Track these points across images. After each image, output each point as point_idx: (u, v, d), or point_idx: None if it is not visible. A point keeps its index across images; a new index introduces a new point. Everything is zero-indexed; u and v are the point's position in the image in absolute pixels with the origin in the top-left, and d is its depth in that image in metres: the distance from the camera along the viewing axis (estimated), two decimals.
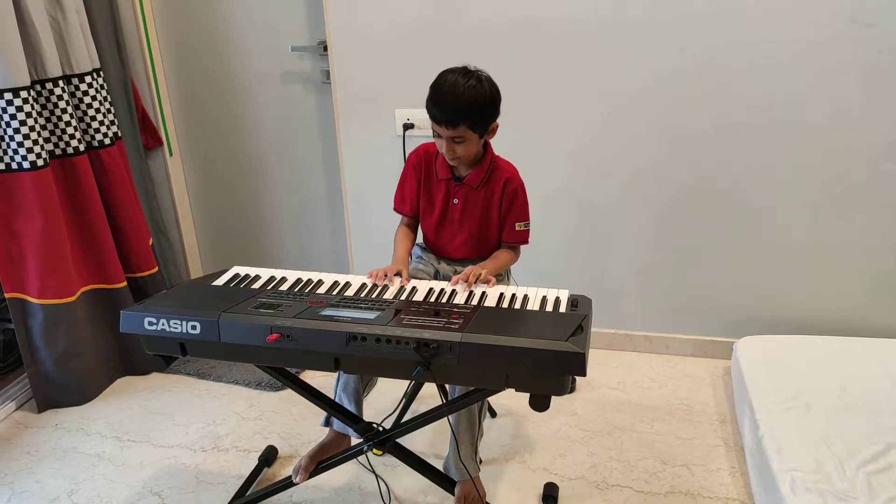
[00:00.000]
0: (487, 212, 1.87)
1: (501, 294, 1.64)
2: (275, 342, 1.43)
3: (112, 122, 2.44)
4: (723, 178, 2.38)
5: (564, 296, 1.62)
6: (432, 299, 1.61)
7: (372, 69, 2.46)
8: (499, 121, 1.76)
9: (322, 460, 1.81)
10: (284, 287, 1.69)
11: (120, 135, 2.49)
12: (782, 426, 1.91)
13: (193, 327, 1.49)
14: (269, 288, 1.68)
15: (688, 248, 2.51)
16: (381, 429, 1.74)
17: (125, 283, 2.49)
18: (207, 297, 1.60)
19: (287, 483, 1.83)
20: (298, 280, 1.74)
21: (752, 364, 2.26)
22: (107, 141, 2.38)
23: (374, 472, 2.00)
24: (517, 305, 1.58)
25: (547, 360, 1.32)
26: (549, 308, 1.56)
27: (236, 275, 1.79)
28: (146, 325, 1.51)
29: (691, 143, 2.36)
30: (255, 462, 2.10)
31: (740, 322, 2.57)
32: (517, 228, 1.89)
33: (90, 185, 2.34)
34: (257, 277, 1.77)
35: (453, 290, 1.67)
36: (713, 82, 2.27)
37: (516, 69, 2.38)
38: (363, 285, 1.70)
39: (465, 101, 1.66)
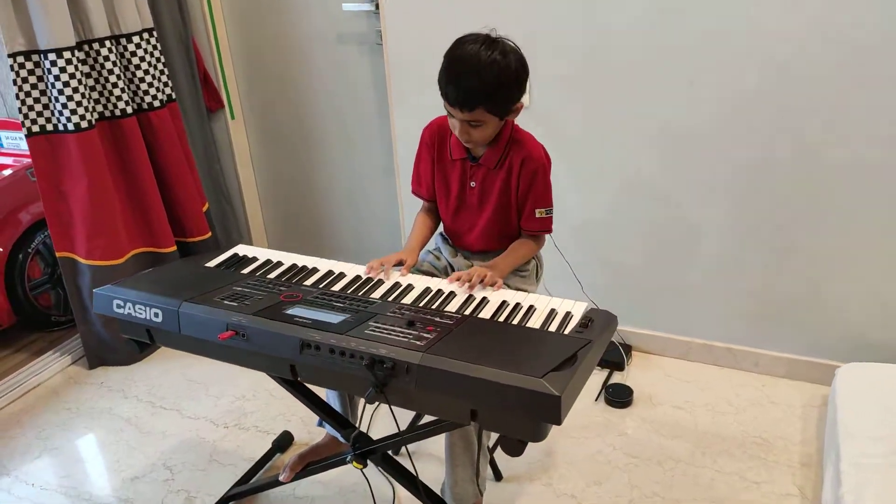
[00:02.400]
0: (507, 196, 1.60)
1: (504, 302, 1.38)
2: (228, 340, 1.29)
3: (165, 84, 2.40)
4: (834, 154, 1.92)
5: (579, 311, 1.34)
6: (423, 302, 1.39)
7: (426, 29, 2.22)
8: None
9: (312, 462, 1.67)
10: (274, 274, 1.54)
11: (174, 97, 2.45)
12: (871, 488, 1.51)
13: (156, 315, 1.38)
14: (257, 274, 1.54)
15: (785, 245, 2.08)
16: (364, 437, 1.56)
17: (174, 248, 2.48)
18: (185, 281, 1.48)
19: (274, 482, 1.71)
20: (293, 266, 1.58)
21: (852, 398, 1.84)
22: (156, 104, 2.34)
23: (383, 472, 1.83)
24: (517, 319, 1.32)
25: (514, 399, 1.07)
26: (554, 326, 1.29)
27: (234, 255, 1.66)
28: (115, 308, 1.42)
29: (796, 115, 1.92)
30: (270, 446, 2.01)
31: (851, 342, 2.11)
32: (537, 215, 1.60)
33: (139, 148, 2.32)
34: (253, 260, 1.63)
35: (452, 293, 1.43)
36: (831, 51, 1.81)
37: (582, 31, 2.04)
38: (356, 278, 1.51)
39: (485, 79, 1.39)
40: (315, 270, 1.56)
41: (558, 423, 1.05)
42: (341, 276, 1.53)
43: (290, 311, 1.31)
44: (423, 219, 1.74)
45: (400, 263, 1.57)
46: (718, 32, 1.92)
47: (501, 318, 1.32)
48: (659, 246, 2.24)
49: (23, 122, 2.12)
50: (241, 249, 1.69)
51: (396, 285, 1.47)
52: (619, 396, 2.14)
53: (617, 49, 2.04)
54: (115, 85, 2.23)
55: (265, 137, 2.82)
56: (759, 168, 2.02)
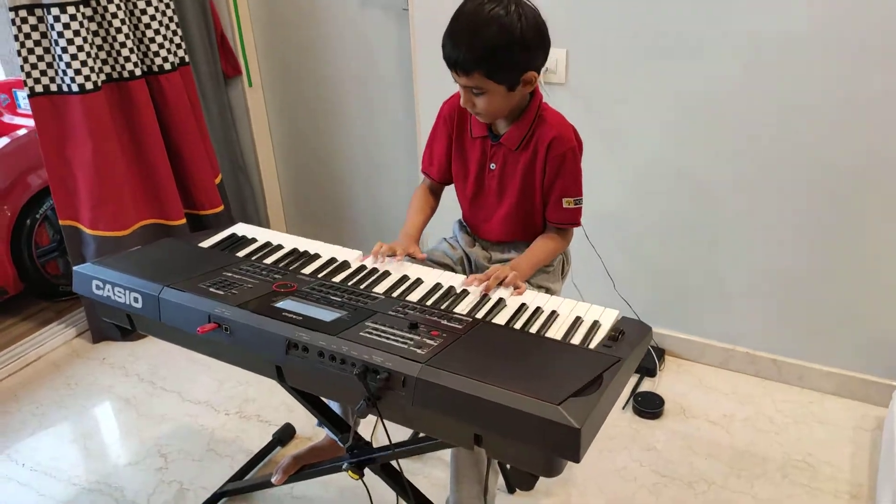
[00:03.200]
0: (530, 181, 1.42)
1: (523, 306, 1.22)
2: (210, 334, 1.15)
3: (178, 46, 2.26)
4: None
5: (608, 320, 1.17)
6: (432, 300, 1.23)
7: None
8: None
9: (307, 465, 1.54)
10: (271, 259, 1.39)
11: (187, 60, 2.31)
12: None
13: (136, 299, 1.24)
14: (253, 258, 1.39)
15: (843, 251, 1.86)
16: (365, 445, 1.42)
17: (184, 221, 2.36)
18: (172, 263, 1.34)
19: (267, 482, 1.58)
20: (293, 251, 1.43)
21: None
22: (167, 66, 2.21)
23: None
24: (535, 326, 1.15)
25: (525, 427, 0.90)
26: (579, 337, 1.12)
27: (232, 235, 1.52)
28: (94, 289, 1.30)
29: (869, 104, 1.70)
30: (269, 439, 1.88)
31: None
32: (564, 206, 1.42)
33: (147, 114, 2.19)
34: (252, 241, 1.49)
35: (465, 291, 1.27)
36: None
37: (633, 3, 1.83)
38: (360, 268, 1.36)
39: (482, 39, 1.22)
40: (317, 257, 1.41)
41: (576, 459, 0.89)
42: (344, 265, 1.37)
43: (280, 305, 1.16)
44: (422, 196, 1.57)
45: (406, 255, 1.41)
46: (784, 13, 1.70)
47: (518, 325, 1.15)
48: (701, 243, 2.04)
49: (25, 82, 2.00)
50: (240, 229, 1.55)
51: (404, 279, 1.31)
52: (648, 406, 1.96)
53: (673, 22, 1.83)
54: (122, 45, 2.10)
55: (284, 107, 2.66)
56: (820, 166, 1.80)
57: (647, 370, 2.13)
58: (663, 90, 1.90)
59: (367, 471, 1.37)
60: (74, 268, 1.32)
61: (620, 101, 1.96)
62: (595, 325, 1.15)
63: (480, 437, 0.97)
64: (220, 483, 1.73)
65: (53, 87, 2.04)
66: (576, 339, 1.11)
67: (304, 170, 2.76)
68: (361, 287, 1.27)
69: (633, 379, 2.10)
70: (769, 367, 2.09)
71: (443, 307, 1.20)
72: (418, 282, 1.30)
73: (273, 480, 1.53)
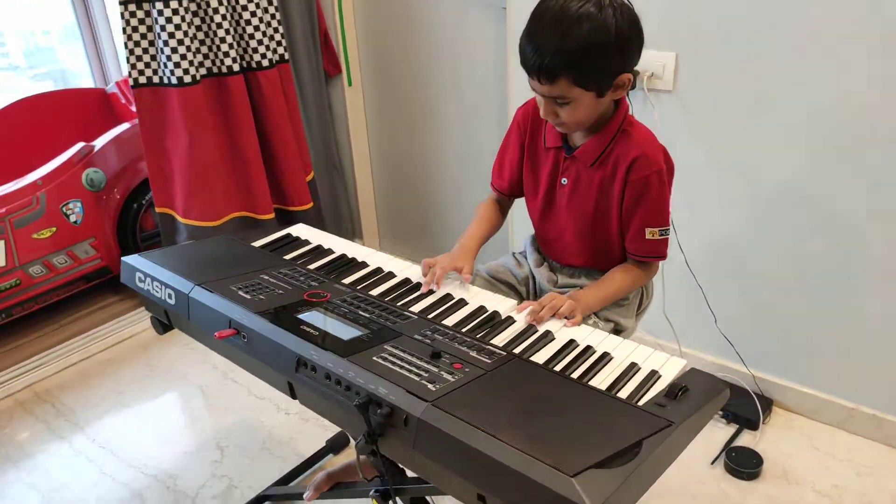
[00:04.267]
0: (605, 204, 1.25)
1: (571, 343, 1.05)
2: (229, 340, 1.09)
3: (279, 44, 2.27)
4: None
5: (671, 371, 0.98)
6: (469, 326, 1.10)
7: None
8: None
9: (340, 484, 1.45)
10: (317, 264, 1.32)
11: (286, 58, 2.31)
12: None
13: (170, 296, 1.21)
14: (299, 262, 1.33)
15: None
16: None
17: (272, 215, 2.37)
18: (215, 261, 1.30)
19: (298, 495, 1.52)
20: (341, 257, 1.35)
21: None
22: (265, 63, 2.22)
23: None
24: (579, 370, 0.98)
25: (530, 497, 0.75)
26: (628, 390, 0.94)
27: (287, 236, 1.47)
28: (137, 282, 1.28)
29: None
30: (324, 444, 1.83)
31: None
32: (648, 236, 1.23)
33: (243, 109, 2.22)
34: (305, 243, 1.43)
35: (510, 318, 1.12)
36: None
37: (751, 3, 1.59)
38: (405, 281, 1.25)
39: (572, 40, 1.05)
40: (363, 266, 1.32)
41: None
42: (389, 276, 1.27)
43: (302, 316, 1.08)
44: (486, 209, 1.43)
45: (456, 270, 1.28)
46: None
47: (559, 367, 0.99)
48: (829, 282, 1.74)
49: (129, 73, 2.08)
50: (297, 230, 1.50)
51: (447, 298, 1.19)
52: (743, 464, 1.70)
53: (809, 19, 1.57)
54: (222, 40, 2.13)
55: (381, 107, 2.62)
56: None
57: (748, 422, 1.85)
58: (794, 102, 1.63)
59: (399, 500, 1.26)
60: (123, 259, 1.31)
61: (739, 112, 1.71)
62: (652, 377, 0.97)
63: (482, 496, 0.83)
64: (267, 484, 1.69)
65: (155, 79, 2.11)
66: (624, 392, 0.94)
67: (397, 171, 2.71)
68: (398, 304, 1.16)
69: (730, 430, 1.84)
70: None
71: (479, 336, 1.06)
72: (461, 303, 1.17)
73: (305, 497, 1.46)
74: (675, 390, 0.93)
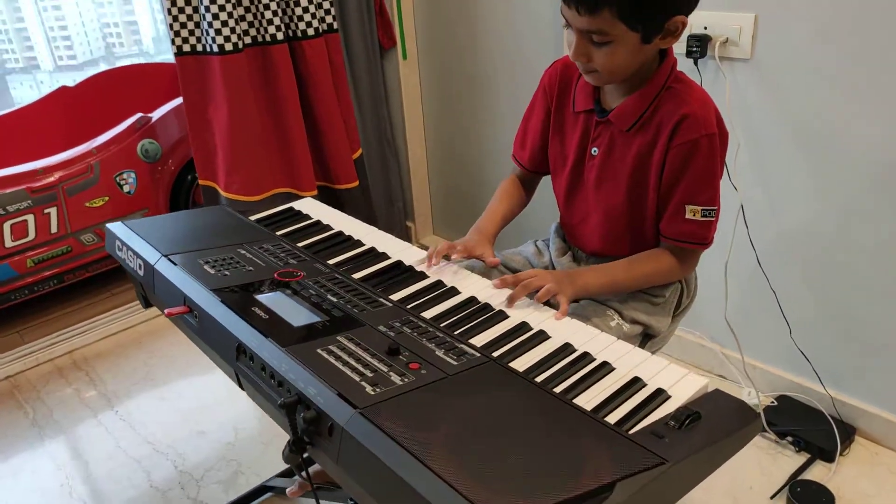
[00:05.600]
0: (642, 176, 1.04)
1: (566, 347, 0.87)
2: (184, 318, 0.97)
3: (327, 12, 2.16)
4: None
5: (684, 392, 0.78)
6: (452, 319, 0.93)
7: None
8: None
9: (325, 483, 1.32)
10: (308, 241, 1.19)
11: (335, 27, 2.20)
12: None
13: (140, 267, 1.11)
14: (290, 237, 1.20)
15: None
16: None
17: (315, 192, 2.27)
18: (198, 232, 1.20)
19: (281, 491, 1.40)
20: (337, 235, 1.22)
21: None
22: (311, 32, 2.11)
23: None
24: (566, 383, 0.80)
25: None
26: (620, 412, 0.75)
27: (289, 210, 1.36)
28: (116, 250, 1.20)
29: None
30: None
31: None
32: (688, 215, 1.02)
33: (287, 80, 2.12)
34: (305, 218, 1.31)
35: (502, 314, 0.95)
36: None
37: None
38: (395, 265, 1.10)
39: None
40: (357, 245, 1.17)
41: None
42: (382, 258, 1.12)
43: (261, 297, 0.95)
44: (507, 188, 1.25)
45: (475, 257, 1.11)
46: None
47: (541, 377, 0.81)
48: None
49: (173, 41, 2.03)
50: (303, 205, 1.38)
51: (437, 285, 1.03)
52: (811, 502, 1.44)
53: None
54: (266, 6, 2.04)
55: (437, 83, 2.46)
56: None
57: (823, 452, 1.57)
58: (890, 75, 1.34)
59: None
60: (107, 225, 1.23)
61: (831, 85, 1.43)
62: (657, 396, 0.77)
63: None
64: (273, 473, 1.60)
65: (199, 48, 2.05)
66: (615, 415, 0.74)
67: (453, 150, 2.55)
68: (378, 289, 1.01)
69: (798, 460, 1.56)
70: None
71: (458, 332, 0.90)
72: (451, 292, 1.01)
73: (288, 492, 1.35)
74: (683, 417, 0.72)
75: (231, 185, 2.18)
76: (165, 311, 0.97)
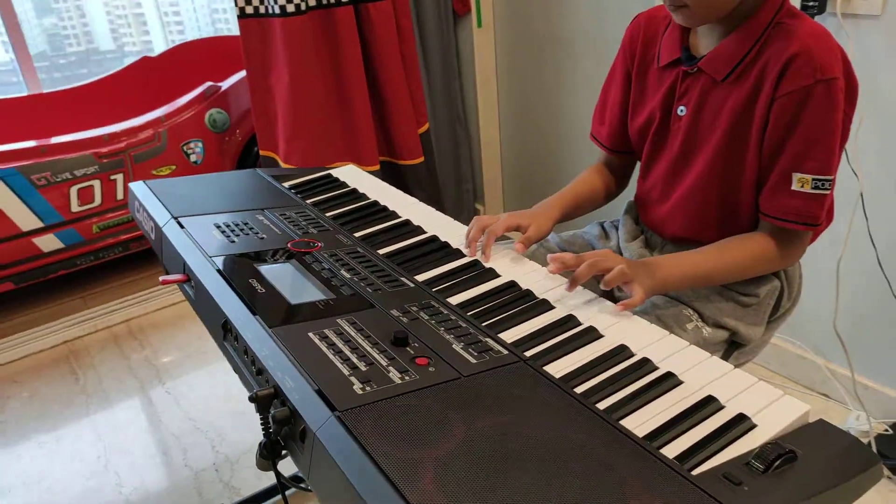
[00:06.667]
0: (738, 141, 0.83)
1: (621, 349, 0.68)
2: (184, 286, 0.86)
3: None
4: None
5: (781, 419, 0.59)
6: (480, 309, 0.76)
7: None
8: None
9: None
10: (337, 211, 1.05)
11: None
12: None
13: (152, 229, 1.01)
14: (319, 206, 1.07)
15: None
16: None
17: (377, 167, 2.15)
18: (223, 196, 1.08)
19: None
20: (370, 205, 1.07)
21: None
22: None
23: None
24: (612, 399, 0.62)
25: None
26: (681, 444, 0.56)
27: (326, 176, 1.22)
28: (135, 211, 1.10)
29: None
30: None
31: None
32: (795, 186, 0.80)
33: (351, 45, 2.00)
34: (341, 186, 1.17)
35: (545, 303, 0.77)
36: None
37: None
38: (429, 240, 0.94)
39: None
40: (391, 217, 1.02)
41: None
42: (416, 232, 0.97)
43: (264, 268, 0.82)
44: (588, 173, 1.06)
45: (515, 230, 0.94)
46: None
47: (582, 386, 0.63)
48: None
49: (235, 2, 1.95)
50: (342, 172, 1.24)
51: (472, 266, 0.86)
52: None
53: None
54: None
55: (514, 54, 2.27)
56: None
57: None
58: None
59: None
60: (130, 185, 1.14)
61: None
62: (737, 424, 0.58)
63: None
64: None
65: (262, 9, 1.96)
66: (674, 447, 0.56)
67: (529, 127, 2.35)
68: (402, 267, 0.85)
69: None
70: None
71: (487, 323, 0.73)
72: (487, 275, 0.84)
73: None
74: (771, 456, 0.53)
75: (290, 156, 2.08)
76: (161, 278, 0.85)
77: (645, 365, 0.66)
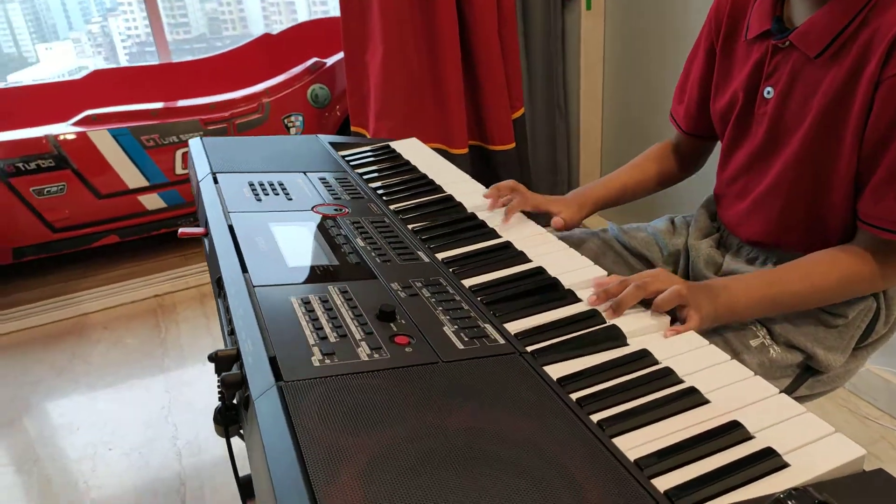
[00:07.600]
0: (836, 125, 0.69)
1: (643, 355, 0.58)
2: (191, 238, 0.83)
3: None
4: None
5: (822, 462, 0.46)
6: (498, 295, 0.68)
7: None
8: None
9: None
10: (381, 182, 1.00)
11: None
12: None
13: (195, 186, 1.00)
14: (364, 176, 1.02)
15: None
16: None
17: (466, 151, 2.08)
18: (270, 157, 1.06)
19: None
20: (419, 179, 1.01)
21: None
22: None
23: None
24: (616, 409, 0.51)
25: None
26: (685, 474, 0.45)
27: (385, 147, 1.17)
28: (189, 168, 1.10)
29: None
30: None
31: None
32: None
33: (448, 22, 1.94)
34: (396, 159, 1.11)
35: (571, 294, 0.67)
36: None
37: None
38: (468, 216, 0.86)
39: None
40: (434, 192, 0.95)
41: None
42: (456, 209, 0.89)
43: (277, 226, 0.78)
44: (644, 161, 0.95)
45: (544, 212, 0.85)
46: None
47: (580, 392, 0.53)
48: None
49: None
50: (400, 145, 1.19)
51: (501, 249, 0.77)
52: None
53: None
54: None
55: (624, 40, 2.12)
56: None
57: None
58: None
59: None
60: (189, 140, 1.14)
61: None
62: (762, 459, 0.46)
63: None
64: None
65: None
66: (673, 477, 0.45)
67: (633, 119, 2.20)
68: (427, 243, 0.78)
69: None
70: None
71: (496, 310, 0.64)
72: (516, 260, 0.75)
73: None
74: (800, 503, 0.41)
75: (379, 133, 2.06)
76: (180, 230, 0.83)
77: (665, 376, 0.55)
